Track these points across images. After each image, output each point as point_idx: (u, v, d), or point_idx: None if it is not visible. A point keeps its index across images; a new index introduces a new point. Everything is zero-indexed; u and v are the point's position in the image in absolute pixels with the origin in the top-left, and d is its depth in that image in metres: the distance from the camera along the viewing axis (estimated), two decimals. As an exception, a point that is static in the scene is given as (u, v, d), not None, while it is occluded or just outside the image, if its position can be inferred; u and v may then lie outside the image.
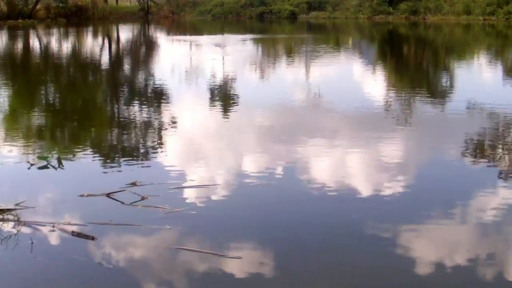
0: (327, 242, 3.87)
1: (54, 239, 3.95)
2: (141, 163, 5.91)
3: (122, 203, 4.60)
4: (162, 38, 26.90)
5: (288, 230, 4.06)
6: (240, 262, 3.59)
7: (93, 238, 3.91)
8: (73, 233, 4.00)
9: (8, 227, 4.12)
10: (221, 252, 3.70)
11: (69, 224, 4.14)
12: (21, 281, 3.42)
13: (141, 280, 3.41)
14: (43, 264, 3.62)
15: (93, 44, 23.62)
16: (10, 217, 4.27)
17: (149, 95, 10.54)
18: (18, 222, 4.17)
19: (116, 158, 6.15)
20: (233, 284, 3.36)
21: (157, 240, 3.92)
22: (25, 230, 4.06)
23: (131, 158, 6.10)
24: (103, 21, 40.45)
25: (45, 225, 4.12)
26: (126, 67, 16.18)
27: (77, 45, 22.98)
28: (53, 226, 4.10)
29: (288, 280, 3.40)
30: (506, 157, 6.09)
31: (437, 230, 4.08)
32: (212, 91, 10.68)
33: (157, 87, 11.28)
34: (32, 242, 3.86)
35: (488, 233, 4.05)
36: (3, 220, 4.23)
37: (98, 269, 3.53)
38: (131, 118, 8.29)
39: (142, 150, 6.50)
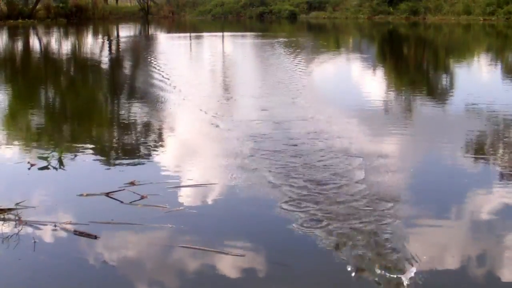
0: (328, 239, 3.87)
1: (56, 238, 3.95)
2: (140, 163, 5.92)
3: (122, 202, 4.61)
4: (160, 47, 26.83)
5: (290, 228, 4.06)
6: (242, 259, 3.60)
7: (95, 237, 3.92)
8: (75, 232, 4.00)
9: (9, 226, 4.12)
10: (223, 250, 3.71)
11: (70, 223, 4.15)
12: (24, 280, 3.42)
13: (145, 278, 3.42)
14: (46, 263, 3.62)
15: (93, 44, 23.62)
16: (11, 216, 4.28)
17: (147, 95, 10.52)
18: (19, 221, 4.18)
19: (115, 158, 6.17)
20: (236, 282, 3.37)
21: (159, 239, 3.93)
22: (26, 229, 4.06)
23: (129, 158, 6.10)
24: (103, 21, 40.48)
25: (46, 225, 4.13)
26: (125, 67, 16.17)
27: (77, 45, 22.99)
28: (55, 226, 4.11)
29: (290, 277, 3.40)
30: (505, 157, 6.09)
31: (432, 230, 4.08)
32: (212, 91, 10.68)
33: (156, 88, 11.27)
34: (34, 242, 3.87)
35: (485, 233, 4.06)
36: (4, 219, 4.23)
37: (101, 268, 3.53)
38: (129, 118, 8.30)
39: (140, 150, 6.51)
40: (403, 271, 3.33)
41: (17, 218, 4.23)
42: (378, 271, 3.33)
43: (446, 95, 10.66)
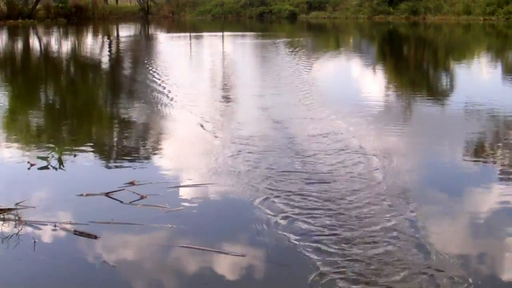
0: (330, 238, 3.86)
1: (56, 238, 3.95)
2: (139, 163, 5.92)
3: (121, 202, 4.61)
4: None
5: (291, 227, 4.05)
6: (242, 259, 3.59)
7: (95, 237, 3.92)
8: (75, 232, 4.00)
9: (9, 226, 4.12)
10: (223, 250, 3.71)
11: (70, 223, 4.15)
12: (24, 280, 3.42)
13: (145, 278, 3.41)
14: (46, 263, 3.62)
15: (92, 45, 23.61)
16: (11, 216, 4.27)
17: (147, 95, 10.52)
18: (19, 221, 4.18)
19: (114, 158, 6.17)
20: (235, 282, 3.36)
21: (159, 239, 3.92)
22: (26, 229, 4.06)
23: (129, 158, 6.10)
24: (103, 21, 40.47)
25: (46, 225, 4.12)
26: (125, 67, 16.16)
27: (76, 45, 23.00)
28: (55, 226, 4.11)
29: (292, 277, 3.39)
30: (505, 157, 6.09)
31: (432, 229, 4.08)
32: (212, 90, 10.68)
33: (155, 88, 11.27)
34: (34, 242, 3.87)
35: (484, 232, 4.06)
36: (4, 219, 4.23)
37: (101, 268, 3.53)
38: (129, 118, 8.29)
39: (140, 150, 6.51)
40: None
41: (17, 218, 4.23)
42: None
43: (449, 95, 10.66)
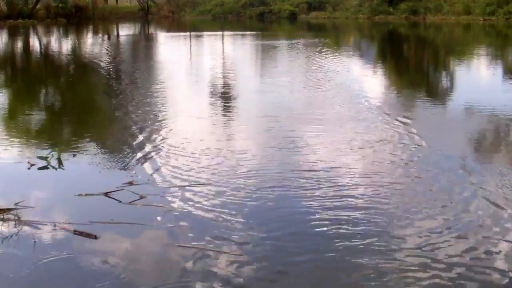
0: (331, 239, 3.87)
1: (56, 238, 3.95)
2: (138, 162, 5.91)
3: (120, 202, 4.61)
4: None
5: (291, 227, 4.06)
6: (242, 259, 3.60)
7: (95, 237, 3.92)
8: (75, 232, 4.00)
9: (9, 226, 4.13)
10: (223, 249, 3.71)
11: (70, 223, 4.15)
12: (24, 280, 3.42)
13: (145, 278, 3.41)
14: (46, 263, 3.62)
15: (93, 44, 23.63)
16: (11, 216, 4.28)
17: (146, 94, 10.53)
18: (19, 221, 4.18)
19: (113, 158, 6.16)
20: (235, 281, 3.36)
21: (159, 238, 3.92)
22: (26, 229, 4.06)
23: (128, 158, 6.10)
24: (103, 21, 40.51)
25: (46, 224, 4.13)
26: (124, 67, 16.17)
27: (76, 45, 23.01)
28: (55, 225, 4.11)
29: (293, 277, 3.40)
30: (505, 157, 6.09)
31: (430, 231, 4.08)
32: (212, 88, 10.68)
33: (155, 87, 11.29)
34: (34, 242, 3.87)
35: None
36: (3, 219, 4.23)
37: (101, 268, 3.53)
38: (128, 117, 8.28)
39: (139, 150, 6.50)
40: None
41: (16, 218, 4.23)
42: None
43: (444, 94, 10.67)
